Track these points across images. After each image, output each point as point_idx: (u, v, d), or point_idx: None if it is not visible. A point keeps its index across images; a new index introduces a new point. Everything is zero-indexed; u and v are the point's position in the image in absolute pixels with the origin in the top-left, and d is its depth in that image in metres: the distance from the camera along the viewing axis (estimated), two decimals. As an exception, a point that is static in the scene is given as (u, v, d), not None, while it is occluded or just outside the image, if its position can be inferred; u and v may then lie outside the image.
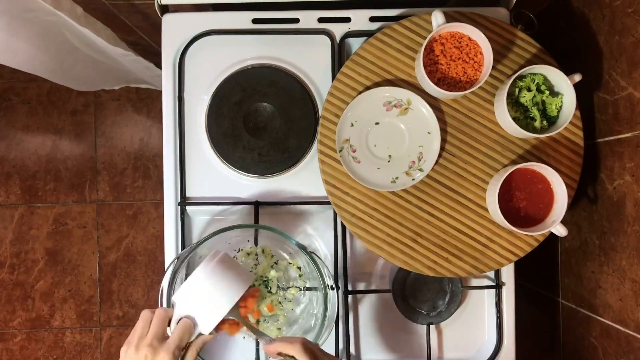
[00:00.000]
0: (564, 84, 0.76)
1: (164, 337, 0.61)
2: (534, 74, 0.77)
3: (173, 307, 0.65)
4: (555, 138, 0.80)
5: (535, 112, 0.77)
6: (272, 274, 0.80)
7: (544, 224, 0.76)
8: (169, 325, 0.64)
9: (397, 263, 0.81)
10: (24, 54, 0.98)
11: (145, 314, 0.63)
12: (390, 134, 0.81)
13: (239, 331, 0.73)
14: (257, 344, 0.83)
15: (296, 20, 0.86)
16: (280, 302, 0.80)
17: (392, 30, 0.81)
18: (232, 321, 0.71)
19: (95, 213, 1.68)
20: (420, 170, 0.80)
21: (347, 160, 0.80)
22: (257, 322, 0.80)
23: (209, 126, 0.85)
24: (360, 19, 0.86)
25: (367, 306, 0.87)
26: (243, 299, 0.69)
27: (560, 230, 0.75)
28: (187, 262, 0.78)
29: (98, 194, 1.68)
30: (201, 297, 0.65)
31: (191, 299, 0.65)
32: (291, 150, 0.85)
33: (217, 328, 0.68)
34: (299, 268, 0.82)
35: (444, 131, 0.81)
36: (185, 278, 0.81)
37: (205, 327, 0.64)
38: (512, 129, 0.77)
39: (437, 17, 0.76)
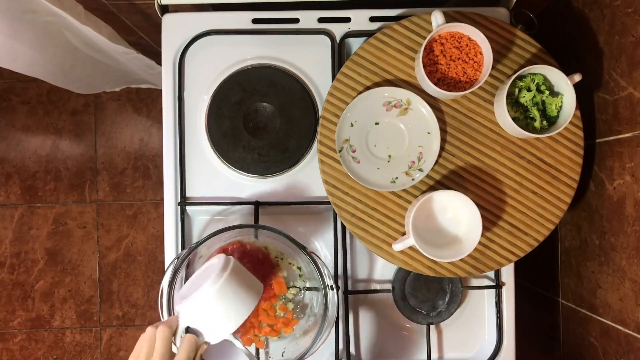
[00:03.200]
0: (564, 84, 0.76)
1: (170, 358, 0.59)
2: (534, 74, 0.77)
3: (176, 314, 0.63)
4: (555, 138, 0.80)
5: (535, 112, 0.77)
6: (272, 274, 0.80)
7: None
8: (174, 335, 0.62)
9: (397, 263, 0.81)
10: (24, 57, 0.98)
11: (149, 331, 0.60)
12: (390, 134, 0.81)
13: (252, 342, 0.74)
14: (257, 350, 0.82)
15: (296, 20, 0.86)
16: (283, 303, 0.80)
17: (392, 30, 0.81)
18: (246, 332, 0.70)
19: (95, 213, 1.68)
20: (420, 170, 0.80)
21: (346, 160, 0.80)
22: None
23: (209, 126, 0.85)
24: (360, 19, 0.86)
25: (367, 306, 0.87)
26: (269, 287, 0.68)
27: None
28: (187, 262, 0.78)
29: (98, 194, 1.68)
30: (211, 312, 0.62)
31: (199, 313, 0.62)
32: (291, 150, 0.85)
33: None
34: (299, 268, 0.82)
35: (443, 131, 0.81)
36: (186, 278, 0.81)
37: (213, 339, 0.62)
38: (512, 129, 0.77)
39: (436, 17, 0.76)
